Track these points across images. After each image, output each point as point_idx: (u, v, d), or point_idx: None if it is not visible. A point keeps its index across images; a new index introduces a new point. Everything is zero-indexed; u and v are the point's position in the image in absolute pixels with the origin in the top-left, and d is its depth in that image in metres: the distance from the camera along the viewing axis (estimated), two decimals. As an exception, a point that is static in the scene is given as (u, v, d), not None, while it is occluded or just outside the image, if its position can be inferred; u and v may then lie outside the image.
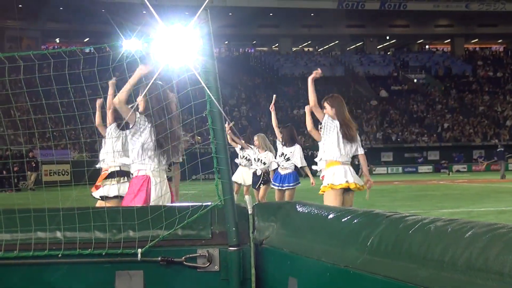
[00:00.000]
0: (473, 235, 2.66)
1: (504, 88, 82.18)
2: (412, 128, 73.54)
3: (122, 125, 7.87)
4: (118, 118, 8.54)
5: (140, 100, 6.89)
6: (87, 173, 5.89)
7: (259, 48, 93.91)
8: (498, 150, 48.08)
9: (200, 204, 4.62)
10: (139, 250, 4.36)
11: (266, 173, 16.34)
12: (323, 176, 10.00)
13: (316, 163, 11.15)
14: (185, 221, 4.44)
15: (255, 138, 16.50)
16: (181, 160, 7.94)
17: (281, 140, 14.73)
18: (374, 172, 64.22)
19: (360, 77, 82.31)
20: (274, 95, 14.46)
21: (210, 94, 4.41)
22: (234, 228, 4.38)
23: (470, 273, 2.51)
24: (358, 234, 3.42)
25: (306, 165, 14.87)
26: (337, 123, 9.13)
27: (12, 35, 73.08)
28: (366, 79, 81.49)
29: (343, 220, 3.71)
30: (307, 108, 9.59)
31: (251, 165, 16.87)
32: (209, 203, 4.60)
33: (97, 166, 10.56)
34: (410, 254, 2.93)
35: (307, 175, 14.97)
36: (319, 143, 9.87)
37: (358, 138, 9.31)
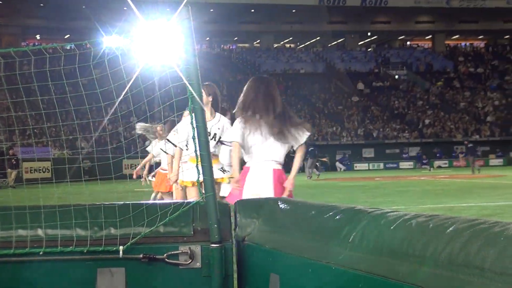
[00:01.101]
0: (454, 231, 2.67)
1: (485, 84, 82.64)
2: (393, 124, 73.81)
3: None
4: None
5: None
6: (68, 170, 5.87)
7: (240, 45, 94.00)
8: (468, 146, 49.21)
9: (182, 201, 4.62)
10: (121, 248, 4.35)
11: None
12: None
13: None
14: (167, 218, 4.44)
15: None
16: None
17: None
18: (356, 168, 64.57)
19: (342, 74, 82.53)
20: None
21: (192, 91, 4.40)
22: (216, 225, 4.38)
23: (452, 268, 2.52)
24: (340, 230, 3.42)
25: None
26: None
27: (-8, 31, 72.86)
28: (347, 75, 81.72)
29: (325, 216, 3.72)
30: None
31: None
32: (191, 200, 4.60)
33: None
34: (391, 250, 2.94)
35: None
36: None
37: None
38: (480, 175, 43.38)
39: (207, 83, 9.56)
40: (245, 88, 7.98)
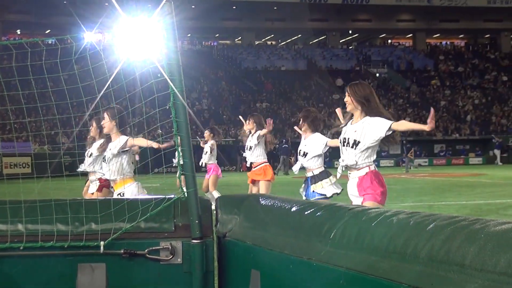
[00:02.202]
0: (435, 228, 2.68)
1: (465, 82, 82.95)
2: (374, 122, 73.83)
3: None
4: None
5: None
6: (49, 166, 5.85)
7: (222, 41, 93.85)
8: (407, 146, 50.38)
9: (163, 196, 4.61)
10: (102, 243, 4.35)
11: None
12: None
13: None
14: (148, 214, 4.44)
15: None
16: None
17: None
18: (336, 166, 64.63)
19: (323, 71, 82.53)
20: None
21: (174, 87, 4.40)
22: (197, 221, 4.38)
23: (432, 265, 2.54)
24: (321, 226, 3.43)
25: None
26: None
27: (-28, 26, 72.36)
28: (328, 73, 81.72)
29: (306, 213, 3.72)
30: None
31: None
32: (172, 196, 4.60)
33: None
34: (372, 247, 2.95)
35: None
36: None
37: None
38: (409, 174, 44.42)
39: (112, 106, 9.03)
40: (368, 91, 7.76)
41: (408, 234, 2.78)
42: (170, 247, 4.37)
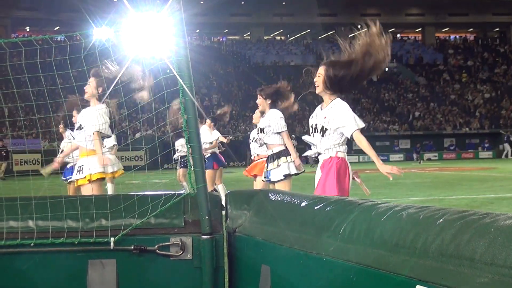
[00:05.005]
0: (444, 222, 2.68)
1: (475, 76, 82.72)
2: (383, 116, 73.77)
3: None
4: None
5: None
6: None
7: (230, 37, 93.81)
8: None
9: (173, 192, 4.62)
10: (112, 239, 4.36)
11: None
12: None
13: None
14: (158, 210, 4.44)
15: None
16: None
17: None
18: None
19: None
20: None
21: (183, 83, 4.40)
22: (207, 217, 4.38)
23: (442, 259, 2.53)
24: (331, 221, 3.43)
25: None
26: None
27: (-19, 23, 72.48)
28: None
29: (315, 208, 3.72)
30: None
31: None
32: (182, 192, 4.60)
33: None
34: (382, 241, 2.94)
35: None
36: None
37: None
38: (477, 167, 43.71)
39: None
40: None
41: (418, 229, 2.78)
42: (180, 243, 4.38)
